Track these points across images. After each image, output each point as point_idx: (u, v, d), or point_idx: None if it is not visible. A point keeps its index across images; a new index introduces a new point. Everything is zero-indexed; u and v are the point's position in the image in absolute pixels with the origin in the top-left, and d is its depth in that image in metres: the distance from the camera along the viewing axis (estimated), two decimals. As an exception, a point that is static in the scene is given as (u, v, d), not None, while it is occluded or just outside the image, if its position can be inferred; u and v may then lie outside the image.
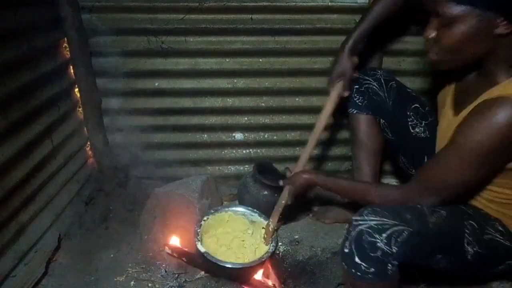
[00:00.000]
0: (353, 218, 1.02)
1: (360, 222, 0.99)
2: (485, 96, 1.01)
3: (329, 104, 1.45)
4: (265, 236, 1.50)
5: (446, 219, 1.04)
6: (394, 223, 0.97)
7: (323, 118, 1.46)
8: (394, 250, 0.96)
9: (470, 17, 0.94)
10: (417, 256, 1.04)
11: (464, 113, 1.06)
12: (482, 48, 1.00)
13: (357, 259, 0.98)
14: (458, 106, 1.15)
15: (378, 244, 0.95)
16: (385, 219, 0.98)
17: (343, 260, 1.02)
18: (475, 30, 0.95)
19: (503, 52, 0.99)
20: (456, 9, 0.94)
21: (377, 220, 0.98)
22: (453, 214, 1.07)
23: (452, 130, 1.05)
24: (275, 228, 1.51)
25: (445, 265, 1.08)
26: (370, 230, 0.97)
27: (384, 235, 0.96)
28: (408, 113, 1.43)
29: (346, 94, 1.43)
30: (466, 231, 1.06)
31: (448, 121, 1.18)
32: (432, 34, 1.03)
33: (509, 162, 1.02)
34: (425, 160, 1.42)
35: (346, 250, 1.00)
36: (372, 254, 0.96)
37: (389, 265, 0.97)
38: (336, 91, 1.43)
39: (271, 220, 1.49)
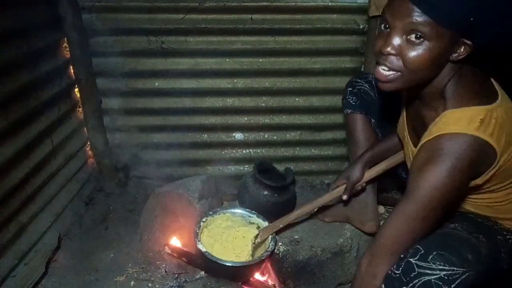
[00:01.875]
0: (413, 261, 0.92)
1: (427, 271, 0.90)
2: (426, 134, 0.98)
3: (326, 196, 1.48)
4: (253, 242, 1.49)
5: (488, 246, 1.02)
6: (463, 271, 0.90)
7: (313, 205, 1.50)
8: None
9: (443, 38, 0.87)
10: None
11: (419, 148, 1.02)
12: (436, 70, 0.95)
13: None
14: (414, 138, 1.14)
15: None
16: (455, 268, 0.90)
17: None
18: (442, 51, 0.89)
19: (443, 78, 0.96)
20: (432, 28, 0.85)
21: (447, 270, 0.89)
22: (486, 234, 1.04)
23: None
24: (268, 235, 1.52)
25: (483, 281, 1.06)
26: (440, 283, 0.89)
27: (452, 286, 0.89)
28: (397, 113, 1.44)
29: (345, 197, 1.45)
30: (501, 249, 1.05)
31: (412, 153, 1.13)
32: (394, 49, 0.90)
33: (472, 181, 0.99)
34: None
35: None
36: None
37: None
38: (337, 191, 1.47)
39: (260, 234, 1.51)
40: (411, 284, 0.90)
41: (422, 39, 0.87)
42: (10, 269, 1.32)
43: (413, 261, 0.92)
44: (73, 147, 1.79)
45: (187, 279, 1.44)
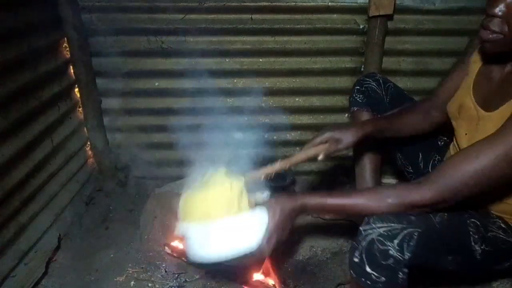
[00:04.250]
0: (361, 228, 0.98)
1: (369, 232, 0.95)
2: None
3: (303, 153, 1.30)
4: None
5: (449, 218, 1.03)
6: (403, 227, 0.95)
7: (291, 162, 1.31)
8: (406, 256, 0.93)
9: None
10: (428, 259, 1.01)
11: (503, 112, 0.99)
12: None
13: (367, 268, 0.95)
14: (485, 105, 1.09)
15: (391, 252, 0.93)
16: (392, 224, 0.95)
17: (352, 269, 0.99)
18: None
19: None
20: None
21: (385, 227, 0.94)
22: (453, 213, 1.06)
23: (492, 126, 0.98)
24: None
25: (454, 267, 1.06)
26: (381, 238, 0.94)
27: (396, 241, 0.93)
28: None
29: (321, 157, 1.29)
30: (470, 229, 1.05)
31: (481, 121, 1.10)
32: (501, 11, 0.91)
33: None
34: (420, 157, 1.44)
35: (356, 260, 0.97)
36: (383, 263, 0.94)
37: (400, 273, 0.95)
38: (320, 149, 1.29)
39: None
40: (360, 247, 0.96)
41: None
42: (10, 269, 1.32)
43: (361, 228, 0.98)
44: (73, 147, 1.79)
45: (187, 279, 1.44)
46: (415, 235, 0.94)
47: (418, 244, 0.94)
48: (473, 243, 1.04)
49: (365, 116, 1.54)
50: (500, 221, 1.12)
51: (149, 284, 1.42)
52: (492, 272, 1.20)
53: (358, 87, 1.55)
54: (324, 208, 1.06)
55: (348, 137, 1.28)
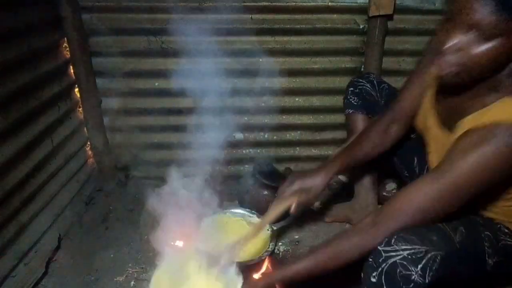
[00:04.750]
0: (380, 248, 0.94)
1: (392, 254, 0.92)
2: (474, 119, 0.95)
3: (274, 210, 1.29)
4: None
5: (466, 235, 1.01)
6: (427, 249, 0.91)
7: (264, 223, 1.31)
8: (427, 281, 0.91)
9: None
10: (446, 279, 0.97)
11: (459, 131, 0.98)
12: (499, 67, 0.90)
13: None
14: (446, 125, 1.10)
15: (413, 277, 0.90)
16: (416, 246, 0.91)
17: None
18: (510, 48, 0.84)
19: (502, 73, 0.92)
20: (503, 24, 0.79)
21: (409, 249, 0.91)
22: (468, 227, 1.04)
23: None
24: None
25: (464, 279, 1.05)
26: (404, 262, 0.90)
27: (420, 266, 0.90)
28: None
29: (293, 210, 1.28)
30: (485, 244, 1.03)
31: (442, 142, 1.10)
32: (456, 46, 0.86)
33: None
34: (415, 161, 1.42)
35: (374, 280, 0.94)
36: (404, 287, 0.91)
37: None
38: (290, 202, 1.26)
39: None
40: (380, 269, 0.93)
41: (489, 37, 0.82)
42: (10, 269, 1.32)
43: (380, 248, 0.94)
44: (73, 147, 1.79)
45: (187, 279, 1.44)
46: (438, 259, 0.92)
47: (440, 268, 0.92)
48: (487, 258, 1.03)
49: (360, 119, 1.53)
50: (502, 227, 1.11)
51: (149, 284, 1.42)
52: (500, 277, 1.19)
53: (352, 89, 1.54)
54: (293, 278, 1.07)
55: (317, 185, 1.27)
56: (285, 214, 1.30)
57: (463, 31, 0.85)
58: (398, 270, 0.90)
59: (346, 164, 1.33)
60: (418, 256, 0.91)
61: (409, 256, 0.90)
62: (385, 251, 0.93)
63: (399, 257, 0.91)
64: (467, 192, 0.92)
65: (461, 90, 1.01)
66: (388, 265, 0.92)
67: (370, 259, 0.97)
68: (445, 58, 0.90)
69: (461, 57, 0.88)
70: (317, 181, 1.27)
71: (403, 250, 0.91)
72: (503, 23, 0.80)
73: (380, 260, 0.93)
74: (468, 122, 0.97)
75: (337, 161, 1.32)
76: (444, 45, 0.88)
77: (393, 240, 0.93)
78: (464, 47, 0.86)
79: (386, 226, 0.96)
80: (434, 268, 0.91)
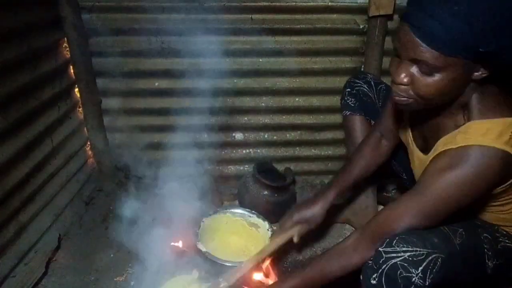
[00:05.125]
0: (381, 249, 0.95)
1: (392, 255, 0.92)
2: (447, 141, 0.97)
3: (276, 241, 1.33)
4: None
5: (466, 237, 1.01)
6: (428, 252, 0.92)
7: (264, 254, 1.32)
8: (427, 283, 0.91)
9: (455, 66, 0.84)
10: (445, 282, 0.98)
11: (432, 155, 1.01)
12: (456, 93, 0.94)
13: None
14: (421, 145, 1.13)
15: (413, 279, 0.90)
16: (417, 248, 0.92)
17: None
18: (457, 78, 0.87)
19: (467, 92, 0.94)
20: (442, 59, 0.83)
21: (410, 251, 0.91)
22: (468, 229, 1.04)
23: (421, 170, 1.02)
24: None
25: (464, 281, 1.05)
26: (405, 264, 0.90)
27: (420, 268, 0.90)
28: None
29: (296, 240, 1.34)
30: (485, 246, 1.04)
31: (419, 160, 1.13)
32: (406, 79, 0.90)
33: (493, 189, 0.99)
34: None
35: (374, 282, 0.95)
36: None
37: None
38: (291, 233, 1.32)
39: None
40: (380, 270, 0.93)
41: (433, 71, 0.86)
42: (10, 269, 1.32)
43: (381, 249, 0.95)
44: (73, 147, 1.79)
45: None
46: (439, 261, 0.93)
47: (440, 271, 0.93)
48: (487, 260, 1.04)
49: (357, 121, 1.53)
50: (499, 228, 1.11)
51: (150, 285, 1.42)
52: (500, 280, 1.19)
53: (348, 90, 1.53)
54: None
55: (316, 215, 1.33)
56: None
57: (408, 65, 0.89)
58: (398, 272, 0.91)
59: (343, 188, 1.38)
60: (419, 258, 0.91)
61: (410, 258, 0.91)
62: (386, 252, 0.94)
63: (400, 258, 0.91)
64: (448, 208, 0.95)
65: (431, 111, 1.04)
66: (388, 266, 0.92)
67: (370, 261, 0.97)
68: (398, 90, 0.93)
69: (410, 89, 0.91)
70: (316, 211, 1.34)
71: (404, 251, 0.92)
72: (441, 58, 0.83)
73: (381, 261, 0.94)
74: (441, 144, 0.99)
75: (334, 187, 1.38)
76: (395, 80, 0.92)
77: (394, 241, 0.94)
78: (413, 81, 0.90)
79: (371, 242, 1.00)
80: (434, 270, 0.91)
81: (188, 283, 1.33)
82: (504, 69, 0.89)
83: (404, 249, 0.92)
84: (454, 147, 0.94)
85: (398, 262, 0.91)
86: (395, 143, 1.35)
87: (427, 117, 1.07)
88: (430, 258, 0.92)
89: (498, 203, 1.05)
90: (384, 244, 0.95)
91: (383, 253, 0.94)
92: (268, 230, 1.52)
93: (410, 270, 0.90)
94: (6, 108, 1.30)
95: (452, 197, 0.93)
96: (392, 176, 2.08)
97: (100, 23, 1.72)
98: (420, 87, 0.89)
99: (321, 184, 2.11)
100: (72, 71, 1.77)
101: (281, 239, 1.34)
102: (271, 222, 1.57)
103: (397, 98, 0.95)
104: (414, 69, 0.89)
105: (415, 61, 0.87)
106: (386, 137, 1.37)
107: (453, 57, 0.83)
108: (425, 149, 1.09)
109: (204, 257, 1.39)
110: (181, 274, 1.39)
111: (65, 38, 1.71)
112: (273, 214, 1.70)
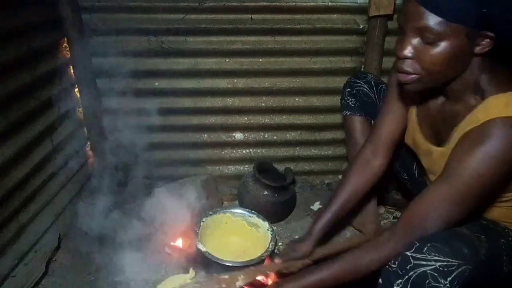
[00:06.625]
0: (409, 254, 0.91)
1: (422, 262, 0.88)
2: (467, 123, 0.96)
3: (268, 267, 1.32)
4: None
5: (489, 246, 1.00)
6: (459, 263, 0.89)
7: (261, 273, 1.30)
8: None
9: (458, 35, 0.86)
10: None
11: (452, 143, 0.99)
12: (460, 67, 0.93)
13: None
14: (435, 139, 1.11)
15: None
16: (449, 259, 0.88)
17: None
18: (461, 48, 0.88)
19: (473, 72, 0.94)
20: (445, 26, 0.85)
21: (442, 261, 0.88)
22: (489, 236, 1.02)
23: (442, 163, 1.00)
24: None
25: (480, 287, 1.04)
26: (435, 274, 0.87)
27: (449, 279, 0.87)
28: None
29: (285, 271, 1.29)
30: (504, 253, 1.03)
31: (433, 156, 1.11)
32: (410, 52, 0.91)
33: None
34: (414, 166, 1.42)
35: None
36: None
37: None
38: (277, 268, 1.30)
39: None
40: (407, 277, 0.89)
41: (436, 39, 0.87)
42: (10, 269, 1.32)
43: (408, 254, 0.91)
44: (73, 147, 1.79)
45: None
46: (466, 272, 0.90)
47: (465, 282, 0.90)
48: (504, 267, 1.03)
49: (358, 121, 1.53)
50: (509, 231, 1.10)
51: (149, 284, 1.42)
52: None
53: (349, 90, 1.52)
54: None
55: (301, 249, 1.31)
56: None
57: (413, 37, 0.90)
58: (427, 281, 0.87)
59: (336, 216, 1.35)
60: (450, 269, 0.88)
61: (441, 268, 0.87)
62: (415, 258, 0.90)
63: (431, 267, 0.88)
64: (482, 190, 0.93)
65: (440, 102, 1.04)
66: (416, 274, 0.88)
67: (394, 265, 0.93)
68: (403, 65, 0.94)
69: (416, 63, 0.92)
70: (301, 247, 1.32)
71: (436, 261, 0.88)
72: (444, 25, 0.85)
73: (408, 267, 0.90)
74: (461, 129, 0.98)
75: (317, 226, 1.34)
76: (400, 55, 0.93)
77: (425, 248, 0.90)
78: (417, 53, 0.91)
79: (405, 236, 0.98)
80: (461, 281, 0.89)
81: (185, 281, 1.33)
82: (507, 38, 0.88)
83: (435, 258, 0.88)
84: (476, 125, 0.92)
85: (428, 271, 0.88)
86: (388, 159, 1.33)
87: (436, 108, 1.07)
88: (460, 269, 0.89)
89: (506, 198, 1.04)
90: (413, 249, 0.91)
91: (411, 258, 0.90)
92: (268, 230, 1.52)
93: (440, 280, 0.87)
94: (6, 108, 1.30)
95: (485, 176, 0.90)
96: (392, 176, 2.09)
97: (100, 23, 1.72)
98: (424, 59, 0.90)
99: (321, 184, 2.11)
100: (72, 71, 1.77)
101: (277, 266, 1.31)
102: (271, 222, 1.57)
103: (402, 76, 0.95)
104: (417, 41, 0.90)
105: (419, 32, 0.88)
106: (379, 154, 1.32)
107: (456, 23, 0.84)
108: (440, 142, 1.08)
109: (203, 257, 1.39)
110: (179, 274, 1.40)
111: (65, 38, 1.71)
112: (273, 214, 1.70)
